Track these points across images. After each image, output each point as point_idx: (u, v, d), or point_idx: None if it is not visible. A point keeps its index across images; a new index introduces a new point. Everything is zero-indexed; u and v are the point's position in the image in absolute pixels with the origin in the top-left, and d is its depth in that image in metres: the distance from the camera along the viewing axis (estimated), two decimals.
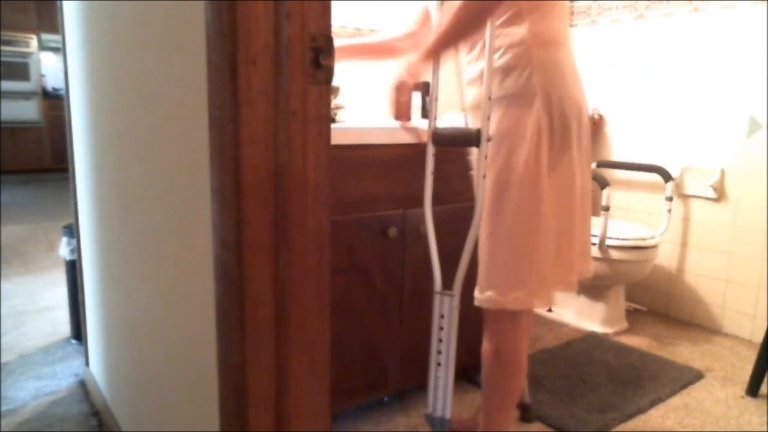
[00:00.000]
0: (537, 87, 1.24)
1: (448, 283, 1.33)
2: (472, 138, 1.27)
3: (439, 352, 1.34)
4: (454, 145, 1.39)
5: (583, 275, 1.41)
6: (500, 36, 1.26)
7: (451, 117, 1.81)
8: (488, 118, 1.25)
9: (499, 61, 1.27)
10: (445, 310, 1.32)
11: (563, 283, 1.34)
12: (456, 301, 1.31)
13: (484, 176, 1.26)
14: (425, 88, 1.77)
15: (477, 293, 1.31)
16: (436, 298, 1.34)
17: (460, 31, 1.27)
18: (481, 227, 1.30)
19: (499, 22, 1.26)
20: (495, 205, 1.27)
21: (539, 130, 1.24)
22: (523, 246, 1.26)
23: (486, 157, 1.26)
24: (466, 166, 1.55)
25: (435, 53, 1.32)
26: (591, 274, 1.43)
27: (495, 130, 1.26)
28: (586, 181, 1.38)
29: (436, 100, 1.39)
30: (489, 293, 1.29)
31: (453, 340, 1.32)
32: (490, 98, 1.25)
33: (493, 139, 1.26)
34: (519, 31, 1.25)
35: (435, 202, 1.42)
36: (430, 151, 1.39)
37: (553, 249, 1.30)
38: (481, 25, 1.24)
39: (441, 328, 1.33)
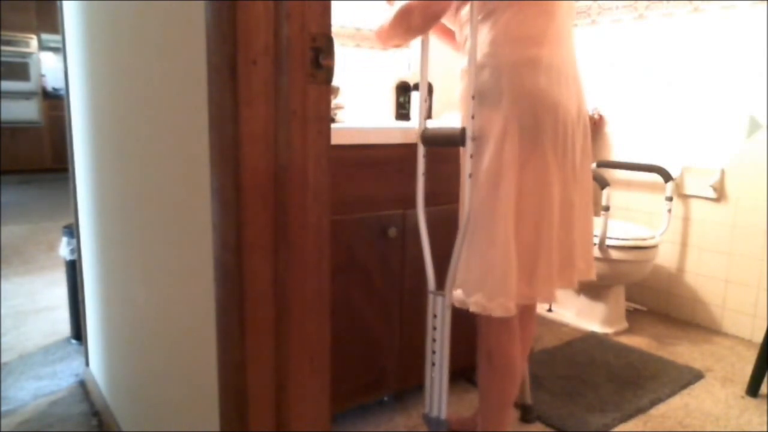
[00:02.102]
0: (505, 86, 1.22)
1: (443, 283, 1.33)
2: (456, 137, 1.26)
3: (434, 352, 1.33)
4: (440, 145, 1.39)
5: (568, 285, 1.35)
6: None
7: (451, 116, 1.81)
8: (472, 117, 1.24)
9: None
10: (438, 310, 1.32)
11: (542, 293, 1.29)
12: (448, 300, 1.31)
13: (470, 175, 1.26)
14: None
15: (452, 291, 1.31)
16: (430, 298, 1.34)
17: (397, 24, 1.30)
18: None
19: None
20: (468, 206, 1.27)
21: (505, 131, 1.22)
22: (483, 249, 1.24)
23: (471, 156, 1.25)
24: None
25: (382, 38, 1.37)
26: (575, 285, 1.36)
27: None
28: (573, 187, 1.31)
29: (426, 100, 1.39)
30: (458, 292, 1.29)
31: (446, 340, 1.32)
32: (474, 97, 1.23)
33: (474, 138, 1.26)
34: (491, 30, 1.24)
35: (431, 202, 1.42)
36: (421, 151, 1.38)
37: (531, 256, 1.26)
38: (412, 25, 1.28)
39: (434, 329, 1.33)
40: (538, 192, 1.25)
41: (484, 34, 1.25)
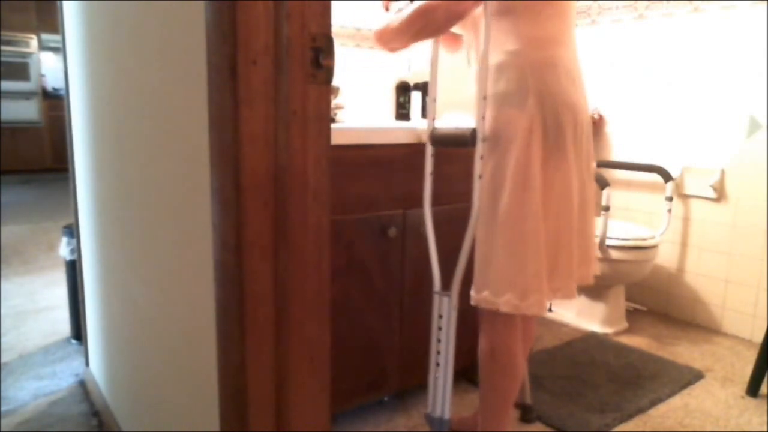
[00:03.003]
0: (530, 87, 1.23)
1: (447, 284, 1.33)
2: (466, 138, 1.26)
3: (438, 353, 1.33)
4: (450, 145, 1.38)
5: (585, 281, 1.38)
6: (495, 35, 1.25)
7: (451, 116, 1.81)
8: (483, 118, 1.24)
9: (494, 60, 1.26)
10: (444, 311, 1.32)
11: (562, 290, 1.31)
12: (454, 301, 1.31)
13: (480, 176, 1.26)
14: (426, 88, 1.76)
15: (473, 293, 1.31)
16: (435, 299, 1.34)
17: (413, 22, 1.27)
18: (478, 228, 1.29)
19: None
20: (489, 206, 1.27)
21: (531, 130, 1.22)
22: (513, 248, 1.24)
23: (482, 157, 1.25)
24: (466, 166, 1.55)
25: (384, 39, 1.34)
26: (591, 281, 1.40)
27: (488, 129, 1.26)
28: (587, 185, 1.35)
29: (434, 100, 1.39)
30: (485, 293, 1.28)
31: (451, 340, 1.32)
32: (485, 98, 1.24)
33: (488, 139, 1.26)
34: (513, 30, 1.24)
35: (436, 202, 1.42)
36: (429, 151, 1.39)
37: (552, 253, 1.28)
38: (430, 23, 1.25)
39: (439, 329, 1.33)
40: (559, 190, 1.27)
41: (505, 34, 1.25)
